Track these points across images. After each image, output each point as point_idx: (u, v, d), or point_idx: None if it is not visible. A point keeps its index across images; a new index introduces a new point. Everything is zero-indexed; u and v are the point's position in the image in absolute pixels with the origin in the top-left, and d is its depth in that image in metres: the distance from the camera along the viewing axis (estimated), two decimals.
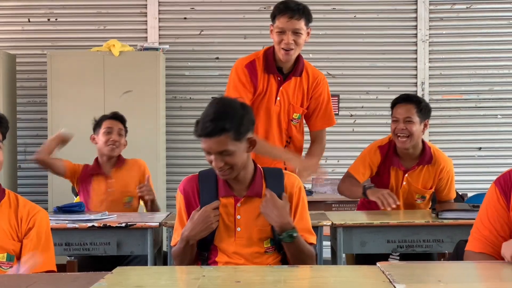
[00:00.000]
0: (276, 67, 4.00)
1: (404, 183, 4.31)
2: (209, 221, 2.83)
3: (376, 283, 2.07)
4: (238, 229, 2.89)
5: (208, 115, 2.72)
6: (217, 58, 7.33)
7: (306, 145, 4.37)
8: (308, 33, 3.93)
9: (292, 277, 2.32)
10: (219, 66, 7.27)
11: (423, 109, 4.27)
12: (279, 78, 4.01)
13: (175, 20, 7.35)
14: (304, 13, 3.87)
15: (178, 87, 7.32)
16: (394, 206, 4.09)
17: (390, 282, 2.03)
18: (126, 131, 4.77)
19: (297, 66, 4.02)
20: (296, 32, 3.85)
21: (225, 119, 2.70)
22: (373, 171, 4.37)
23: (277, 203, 2.82)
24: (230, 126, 2.70)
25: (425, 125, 4.30)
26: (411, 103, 4.26)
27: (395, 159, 4.32)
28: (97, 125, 4.76)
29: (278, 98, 4.02)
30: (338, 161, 6.88)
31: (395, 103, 4.33)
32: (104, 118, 4.77)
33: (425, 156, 4.32)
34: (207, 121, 2.70)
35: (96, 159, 4.72)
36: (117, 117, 4.78)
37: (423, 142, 4.36)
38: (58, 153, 4.91)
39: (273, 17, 3.92)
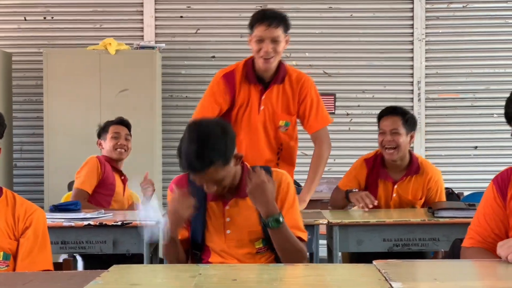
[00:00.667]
0: (256, 76, 3.98)
1: (394, 195, 4.34)
2: (179, 211, 2.76)
3: (372, 281, 2.07)
4: (228, 231, 2.88)
5: (191, 150, 2.64)
6: (213, 56, 7.33)
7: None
8: (286, 41, 3.93)
9: (288, 275, 2.32)
10: (215, 64, 7.25)
11: (409, 121, 4.33)
12: (260, 88, 4.00)
13: (171, 18, 7.35)
14: (282, 21, 3.88)
15: (174, 85, 7.32)
16: (371, 206, 4.15)
17: (386, 280, 2.03)
18: (131, 136, 4.82)
19: (278, 73, 3.99)
20: (275, 40, 3.85)
21: (210, 152, 2.63)
22: (361, 184, 4.40)
23: (266, 187, 2.76)
24: (217, 157, 2.65)
25: (412, 137, 4.35)
26: (397, 115, 4.32)
27: (383, 171, 4.37)
28: (102, 130, 4.78)
29: (261, 107, 4.01)
30: (334, 160, 6.88)
31: (381, 116, 4.38)
32: (110, 123, 4.80)
33: (413, 167, 4.35)
34: (192, 158, 2.63)
35: (107, 158, 4.73)
36: (123, 123, 4.82)
37: (410, 153, 4.41)
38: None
39: (251, 27, 3.91)
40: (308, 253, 3.95)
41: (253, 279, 2.21)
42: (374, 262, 2.29)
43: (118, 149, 4.71)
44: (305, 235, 2.94)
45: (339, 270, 2.47)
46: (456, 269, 2.32)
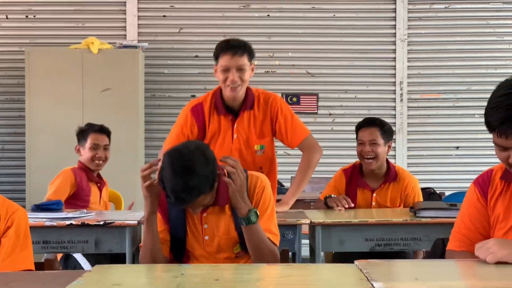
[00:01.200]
0: (226, 106, 4.00)
1: (374, 203, 4.43)
2: (144, 184, 2.77)
3: (354, 281, 2.08)
4: (206, 237, 2.89)
5: (178, 184, 2.59)
6: (196, 56, 7.33)
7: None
8: (252, 69, 3.96)
9: (270, 275, 2.33)
10: (198, 64, 7.27)
11: (387, 131, 4.45)
12: (230, 117, 4.01)
13: (154, 18, 7.34)
14: (246, 49, 3.90)
15: (157, 85, 7.31)
16: (347, 206, 4.24)
17: (368, 280, 2.04)
18: (110, 144, 4.73)
19: (247, 100, 4.00)
20: (241, 69, 3.87)
21: (198, 183, 2.60)
22: (341, 192, 4.48)
23: (245, 185, 2.81)
24: (205, 187, 2.64)
25: (389, 146, 4.47)
26: (375, 126, 4.43)
27: (361, 180, 4.47)
28: (82, 135, 4.68)
29: (235, 136, 4.02)
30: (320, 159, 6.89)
31: (359, 127, 4.50)
32: (90, 130, 4.68)
33: (391, 174, 4.45)
34: (180, 192, 2.60)
35: (84, 165, 4.68)
36: (103, 131, 4.70)
37: (387, 161, 4.51)
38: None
39: (216, 57, 3.93)
40: (290, 253, 3.97)
41: (235, 279, 2.22)
42: (356, 262, 2.30)
43: (96, 161, 4.62)
44: (277, 239, 2.93)
45: (321, 270, 2.48)
46: (437, 268, 2.33)
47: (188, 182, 2.58)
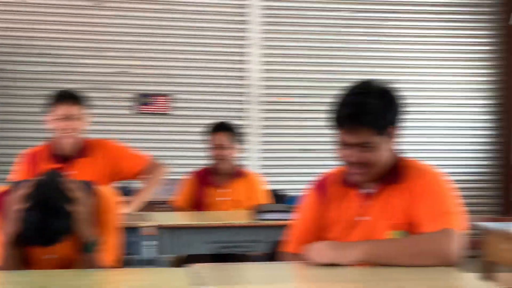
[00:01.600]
0: (60, 155, 4.16)
1: (223, 198, 4.66)
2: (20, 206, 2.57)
3: (183, 285, 2.07)
4: (46, 256, 2.74)
5: (43, 229, 2.39)
6: (43, 53, 7.09)
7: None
8: (85, 118, 4.17)
9: (98, 281, 2.28)
10: (44, 62, 7.06)
11: (237, 135, 4.75)
12: (64, 166, 4.08)
13: (3, 12, 7.05)
14: (79, 100, 4.15)
15: (5, 82, 7.03)
16: None
17: (200, 285, 2.03)
18: None
19: (81, 149, 4.18)
20: (74, 118, 4.09)
21: (65, 225, 2.43)
22: (192, 194, 4.75)
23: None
24: (72, 227, 2.47)
25: (239, 149, 4.77)
26: (226, 131, 4.72)
27: (210, 178, 4.74)
28: None
29: None
30: (172, 160, 6.86)
31: (210, 131, 4.75)
32: None
33: (238, 171, 4.76)
34: (46, 236, 2.40)
35: None
36: None
37: (235, 161, 4.80)
38: None
39: (51, 106, 4.12)
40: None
41: (62, 286, 2.14)
42: (194, 265, 2.29)
43: None
44: (111, 260, 2.70)
45: (153, 274, 2.40)
46: (271, 271, 2.35)
47: (54, 226, 2.41)
